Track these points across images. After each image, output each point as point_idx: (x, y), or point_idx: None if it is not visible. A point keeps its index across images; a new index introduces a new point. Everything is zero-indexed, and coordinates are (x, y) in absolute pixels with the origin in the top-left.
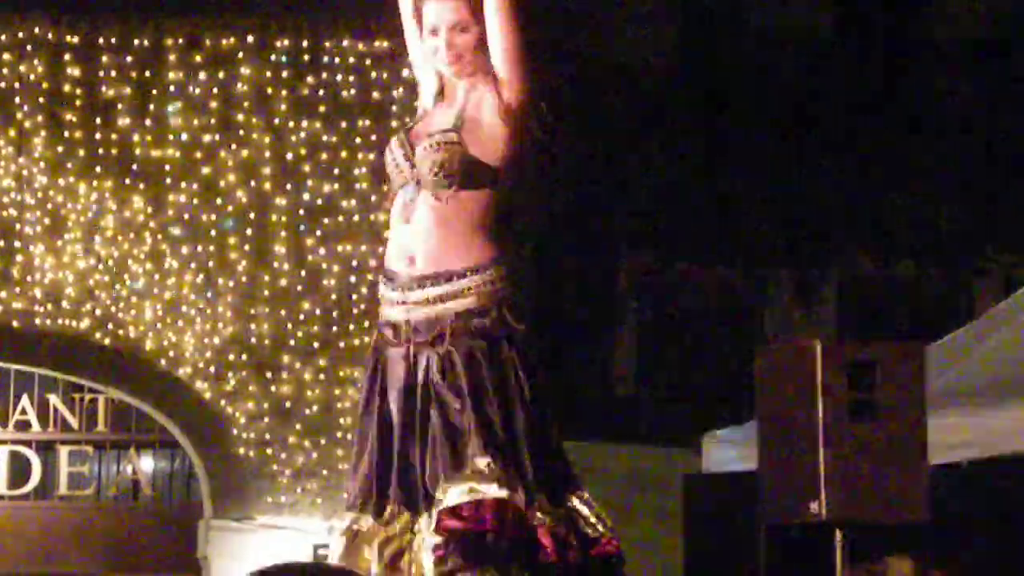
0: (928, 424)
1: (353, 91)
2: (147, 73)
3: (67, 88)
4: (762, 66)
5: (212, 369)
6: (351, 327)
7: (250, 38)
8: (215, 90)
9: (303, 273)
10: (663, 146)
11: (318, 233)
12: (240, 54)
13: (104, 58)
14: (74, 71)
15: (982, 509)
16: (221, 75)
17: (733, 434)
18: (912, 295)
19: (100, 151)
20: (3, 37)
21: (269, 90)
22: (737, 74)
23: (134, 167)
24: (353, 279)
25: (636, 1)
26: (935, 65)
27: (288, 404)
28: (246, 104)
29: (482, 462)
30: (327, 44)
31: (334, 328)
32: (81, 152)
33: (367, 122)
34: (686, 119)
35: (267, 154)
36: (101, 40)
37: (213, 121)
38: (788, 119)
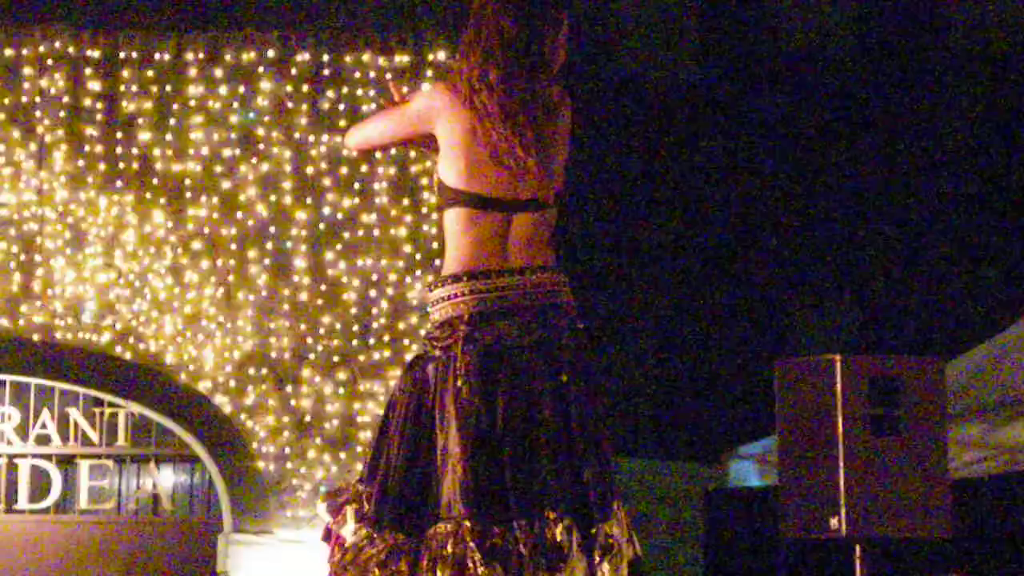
0: (949, 439)
1: (373, 105)
2: (168, 87)
3: (88, 102)
4: (783, 80)
5: (232, 383)
6: (371, 341)
7: (271, 52)
8: (235, 104)
9: (323, 287)
10: (679, 158)
11: (338, 247)
12: (260, 68)
13: (125, 72)
14: (95, 85)
15: (1004, 524)
16: (242, 89)
17: (755, 449)
18: (933, 308)
19: (121, 165)
20: (24, 51)
21: (289, 104)
22: (757, 89)
23: (155, 181)
24: (373, 293)
25: (654, 14)
26: (956, 77)
27: (308, 418)
28: (266, 118)
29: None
30: (347, 58)
31: (354, 342)
32: (102, 166)
33: None
34: (703, 131)
35: (287, 168)
36: (122, 54)
37: (233, 135)
38: (809, 131)
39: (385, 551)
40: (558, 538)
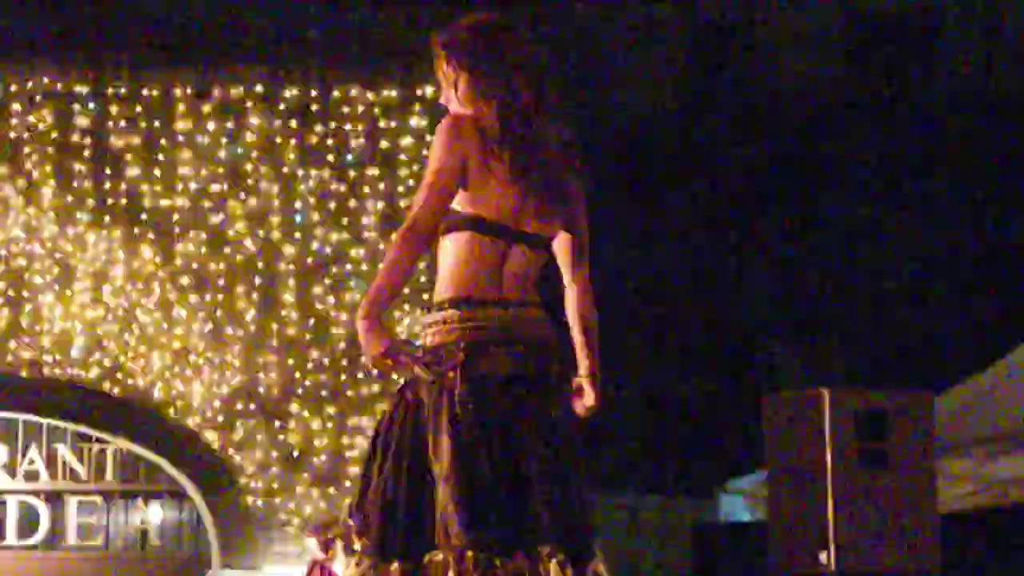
0: (938, 472)
1: (361, 140)
2: (156, 123)
3: (76, 138)
4: (769, 116)
5: (220, 418)
6: (359, 376)
7: (259, 87)
8: (223, 139)
9: (311, 322)
10: (664, 189)
11: (326, 282)
12: (249, 103)
13: (113, 108)
14: (83, 121)
15: (993, 558)
16: (230, 124)
17: (744, 484)
18: (923, 342)
19: (109, 201)
20: (12, 87)
21: (278, 139)
22: (743, 123)
23: (143, 216)
24: None
25: (641, 46)
26: (947, 116)
27: (296, 453)
28: (255, 153)
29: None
30: (335, 93)
31: (342, 377)
32: (90, 201)
33: (375, 171)
34: (689, 163)
35: (275, 203)
36: (110, 90)
37: (221, 170)
38: (795, 165)
39: None
40: (553, 573)
